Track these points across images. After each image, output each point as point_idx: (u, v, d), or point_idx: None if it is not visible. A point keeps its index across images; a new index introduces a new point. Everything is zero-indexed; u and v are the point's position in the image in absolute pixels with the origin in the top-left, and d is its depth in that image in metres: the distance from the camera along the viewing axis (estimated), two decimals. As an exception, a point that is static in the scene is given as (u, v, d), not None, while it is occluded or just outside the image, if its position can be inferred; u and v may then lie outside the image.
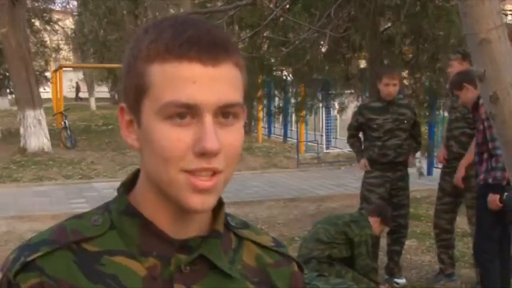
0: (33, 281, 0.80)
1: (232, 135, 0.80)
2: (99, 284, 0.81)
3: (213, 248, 0.86)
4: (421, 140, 5.52)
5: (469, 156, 4.78)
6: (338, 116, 13.47)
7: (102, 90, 32.93)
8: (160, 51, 0.78)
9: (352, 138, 5.43)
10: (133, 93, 0.82)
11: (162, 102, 0.78)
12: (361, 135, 5.43)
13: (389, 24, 7.58)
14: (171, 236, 0.85)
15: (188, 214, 0.84)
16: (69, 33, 24.88)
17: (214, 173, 0.79)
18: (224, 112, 0.79)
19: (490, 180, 4.24)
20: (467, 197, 5.02)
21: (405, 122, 5.15)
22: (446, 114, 6.69)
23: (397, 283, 5.29)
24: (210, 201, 0.81)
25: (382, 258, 5.50)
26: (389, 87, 5.05)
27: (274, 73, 8.62)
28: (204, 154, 0.77)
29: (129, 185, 0.90)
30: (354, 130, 5.38)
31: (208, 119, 0.77)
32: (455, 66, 5.06)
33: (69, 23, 26.52)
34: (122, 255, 0.83)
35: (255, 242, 0.94)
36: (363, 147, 5.38)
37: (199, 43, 0.78)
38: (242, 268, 0.90)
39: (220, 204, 0.88)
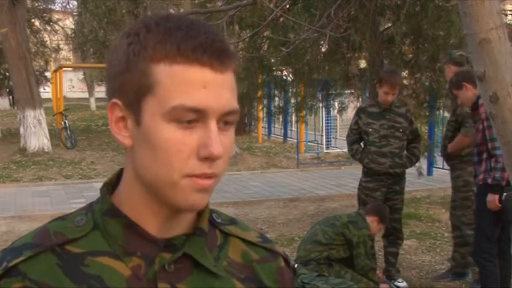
0: (16, 286, 0.80)
1: (228, 141, 0.82)
2: (83, 285, 0.81)
3: (197, 246, 0.87)
4: (419, 155, 5.43)
5: (457, 141, 4.98)
6: (338, 116, 13.48)
7: (102, 90, 32.91)
8: (170, 52, 0.78)
9: (354, 144, 5.28)
10: (133, 91, 0.81)
11: (170, 104, 0.78)
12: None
13: (389, 24, 7.58)
14: (155, 235, 0.85)
15: (176, 213, 0.84)
16: (69, 33, 24.86)
17: (212, 176, 0.81)
18: (225, 118, 0.80)
19: (490, 181, 4.24)
20: (457, 196, 5.14)
21: (400, 130, 5.11)
22: (446, 114, 6.70)
23: (398, 287, 5.27)
24: (206, 198, 0.83)
25: (380, 258, 5.50)
26: (388, 96, 5.05)
27: (274, 73, 8.61)
28: (208, 158, 0.79)
29: (112, 185, 0.89)
30: (354, 134, 5.26)
31: (213, 124, 0.79)
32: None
33: (69, 23, 26.50)
34: (105, 256, 0.83)
35: (241, 238, 0.95)
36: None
37: (211, 49, 0.79)
38: (228, 265, 0.90)
39: None
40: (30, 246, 0.83)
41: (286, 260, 0.99)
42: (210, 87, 0.78)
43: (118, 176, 0.90)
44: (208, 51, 0.78)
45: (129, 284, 0.82)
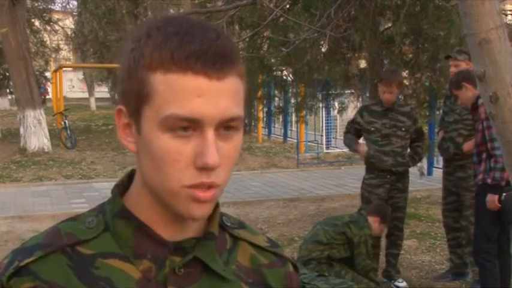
0: (26, 285, 0.80)
1: (231, 148, 0.81)
2: (93, 287, 0.81)
3: (207, 250, 0.86)
4: (423, 154, 5.38)
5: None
6: (338, 116, 13.48)
7: (102, 90, 32.94)
8: (165, 61, 0.77)
9: (348, 134, 5.38)
10: (133, 99, 0.81)
11: (164, 113, 0.77)
12: (362, 140, 5.41)
13: (389, 24, 7.57)
14: (165, 238, 0.85)
15: (183, 218, 0.84)
16: (69, 33, 24.86)
17: (212, 186, 0.80)
18: (226, 125, 0.79)
19: (489, 181, 4.23)
20: (467, 196, 5.03)
21: (403, 129, 5.11)
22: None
23: (398, 287, 5.27)
24: (208, 209, 0.82)
25: (383, 258, 5.50)
26: (385, 94, 5.06)
27: (274, 73, 8.61)
28: (204, 168, 0.78)
29: (123, 186, 0.89)
30: (349, 128, 5.34)
31: (210, 133, 0.77)
32: (462, 67, 5.02)
33: (69, 23, 26.50)
34: (115, 258, 0.83)
35: (250, 243, 0.94)
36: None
37: (206, 56, 0.77)
38: (237, 269, 0.90)
39: (215, 206, 0.88)
40: (41, 246, 0.83)
41: (295, 266, 0.99)
42: (205, 95, 0.76)
43: (129, 177, 0.90)
44: (202, 59, 0.76)
45: (138, 286, 0.82)
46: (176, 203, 0.80)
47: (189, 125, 0.77)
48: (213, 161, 0.77)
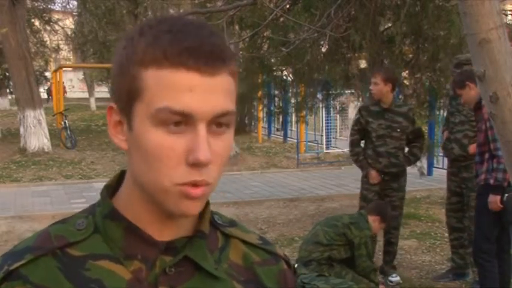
0: None
1: (223, 144, 0.81)
2: None
3: (198, 249, 0.86)
4: (420, 154, 5.39)
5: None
6: (338, 116, 13.48)
7: (102, 90, 32.94)
8: (157, 57, 0.77)
9: (357, 147, 5.34)
10: (125, 96, 0.81)
11: (156, 107, 0.77)
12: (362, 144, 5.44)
13: (389, 24, 7.57)
14: (156, 238, 0.84)
15: (173, 216, 0.84)
16: (69, 33, 24.86)
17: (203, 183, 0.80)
18: (217, 121, 0.79)
19: (491, 181, 4.23)
20: (472, 197, 5.02)
21: (398, 130, 5.14)
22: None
23: (391, 281, 5.30)
24: (199, 206, 0.81)
25: (380, 258, 5.51)
26: (371, 86, 5.17)
27: (274, 73, 8.60)
28: (196, 164, 0.77)
29: (112, 187, 0.89)
30: (356, 133, 5.31)
31: (202, 128, 0.77)
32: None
33: (69, 23, 26.50)
34: (106, 259, 0.83)
35: (242, 240, 0.94)
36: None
37: (198, 52, 0.77)
38: (229, 267, 0.90)
39: (206, 204, 0.88)
40: (31, 250, 0.82)
41: (288, 263, 0.98)
42: (197, 91, 0.77)
43: (118, 178, 0.90)
44: (195, 55, 0.77)
45: (129, 287, 0.82)
46: (166, 200, 0.80)
47: (181, 120, 0.77)
48: (205, 156, 0.77)
